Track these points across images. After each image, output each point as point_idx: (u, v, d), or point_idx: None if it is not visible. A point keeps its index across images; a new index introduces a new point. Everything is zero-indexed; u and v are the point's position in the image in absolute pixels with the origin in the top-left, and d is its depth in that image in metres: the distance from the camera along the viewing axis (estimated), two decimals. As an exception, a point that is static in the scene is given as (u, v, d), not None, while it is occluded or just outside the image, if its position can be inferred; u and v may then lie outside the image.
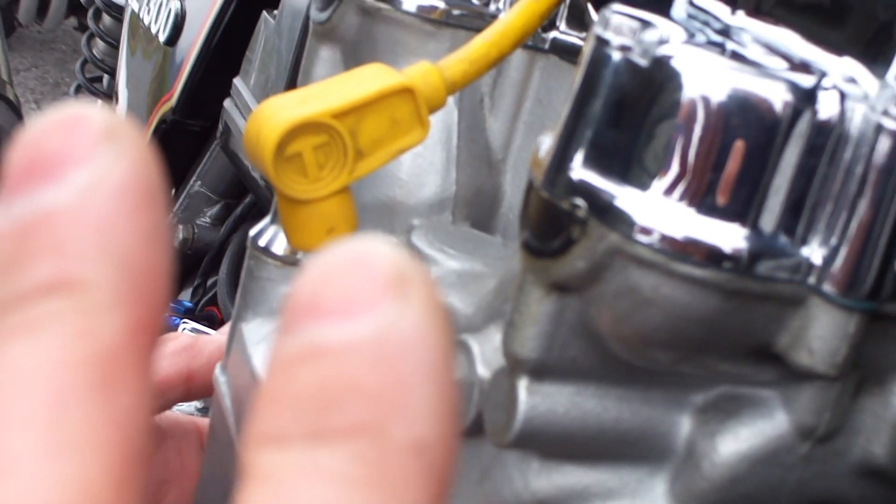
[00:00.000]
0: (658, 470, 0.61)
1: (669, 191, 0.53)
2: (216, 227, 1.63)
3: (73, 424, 0.31)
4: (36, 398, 0.31)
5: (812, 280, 0.54)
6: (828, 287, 0.54)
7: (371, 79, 0.68)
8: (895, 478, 0.61)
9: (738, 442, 0.59)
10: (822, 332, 0.54)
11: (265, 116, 0.66)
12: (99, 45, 2.31)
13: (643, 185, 0.54)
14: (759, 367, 0.58)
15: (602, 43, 0.55)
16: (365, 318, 0.31)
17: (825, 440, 0.59)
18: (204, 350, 0.89)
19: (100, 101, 2.29)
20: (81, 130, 0.32)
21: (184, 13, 1.72)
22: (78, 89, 2.33)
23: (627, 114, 0.54)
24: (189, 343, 0.89)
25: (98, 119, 0.32)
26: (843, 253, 0.54)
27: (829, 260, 0.54)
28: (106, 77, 2.27)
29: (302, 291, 0.32)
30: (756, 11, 0.58)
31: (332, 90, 0.67)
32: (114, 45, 2.22)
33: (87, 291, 0.31)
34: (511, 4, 0.82)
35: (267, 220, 0.80)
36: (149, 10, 1.85)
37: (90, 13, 2.41)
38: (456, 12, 0.82)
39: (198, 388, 0.90)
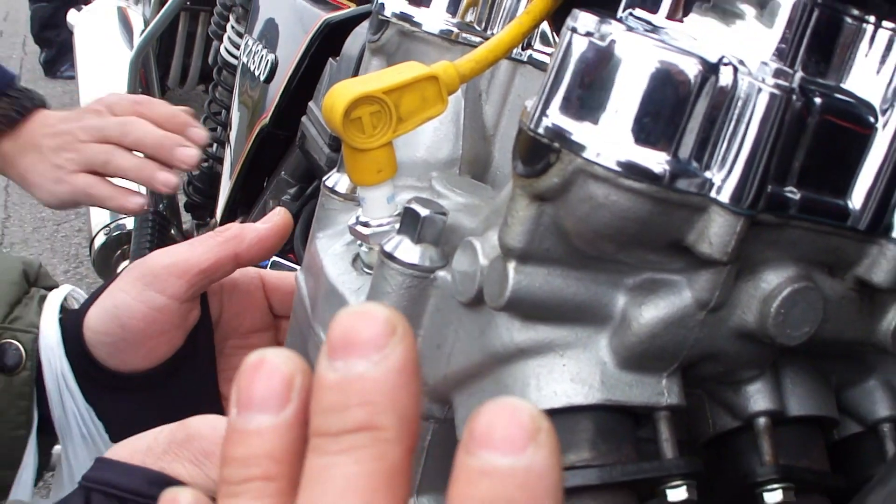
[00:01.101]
0: (602, 329, 0.64)
1: (617, 129, 0.57)
2: (294, 201, 1.66)
3: (380, 497, 0.38)
4: (356, 491, 0.38)
5: (713, 193, 0.58)
6: (723, 198, 0.57)
7: (409, 70, 0.72)
8: (759, 339, 0.64)
9: (657, 310, 0.62)
10: (718, 230, 0.58)
11: (338, 92, 0.70)
12: (219, 90, 2.34)
13: (599, 125, 0.57)
14: (673, 257, 0.61)
15: (573, 30, 0.59)
16: (519, 455, 0.36)
17: (715, 310, 0.63)
18: (246, 237, 0.89)
19: (219, 127, 2.33)
20: (376, 324, 0.38)
21: (277, 61, 1.80)
22: (205, 119, 2.34)
23: (589, 77, 0.58)
24: (236, 232, 0.90)
25: (384, 315, 0.38)
26: (734, 175, 0.57)
27: (724, 180, 0.58)
28: (224, 111, 2.30)
29: (478, 426, 0.37)
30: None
31: (382, 77, 0.71)
32: (229, 90, 2.26)
33: (382, 431, 0.38)
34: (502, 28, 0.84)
35: (334, 171, 0.83)
36: (254, 61, 1.93)
37: (215, 70, 2.47)
38: (464, 35, 0.86)
39: (243, 263, 0.91)
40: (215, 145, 2.36)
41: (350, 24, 1.58)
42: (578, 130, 0.58)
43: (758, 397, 0.70)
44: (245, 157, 1.86)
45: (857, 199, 0.64)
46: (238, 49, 2.19)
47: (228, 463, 0.42)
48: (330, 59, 1.58)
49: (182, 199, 2.54)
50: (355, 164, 0.72)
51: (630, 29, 0.59)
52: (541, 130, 0.59)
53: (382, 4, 0.88)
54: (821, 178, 0.62)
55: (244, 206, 1.91)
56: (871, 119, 0.63)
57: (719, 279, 0.62)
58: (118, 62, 2.76)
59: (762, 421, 0.70)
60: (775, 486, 0.68)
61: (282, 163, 1.77)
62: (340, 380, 0.39)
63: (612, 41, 0.58)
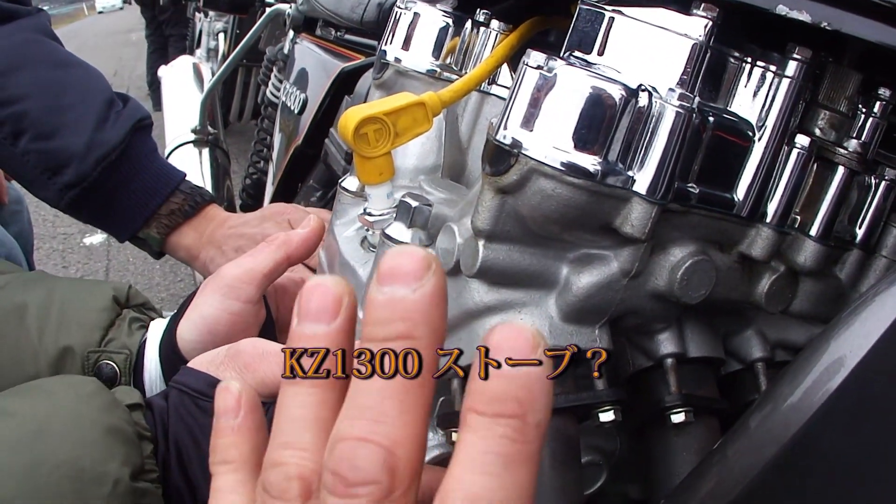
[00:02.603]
0: (550, 292, 0.63)
1: (561, 138, 0.55)
2: (320, 202, 1.65)
3: (411, 398, 0.38)
4: (398, 387, 0.38)
5: (634, 187, 0.56)
6: (641, 191, 0.56)
7: (403, 97, 0.71)
8: (668, 299, 0.63)
9: (591, 277, 0.61)
10: (638, 215, 0.57)
11: (350, 114, 0.69)
12: (265, 122, 2.32)
13: (547, 135, 0.56)
14: (604, 237, 0.60)
15: (527, 65, 0.57)
16: (522, 366, 0.36)
17: (635, 277, 0.62)
18: (293, 241, 0.86)
19: (264, 149, 2.30)
20: (417, 260, 0.38)
21: (307, 99, 1.79)
22: (255, 143, 2.34)
23: (539, 99, 0.56)
24: (284, 238, 0.87)
25: (423, 254, 0.38)
26: (649, 173, 0.56)
27: (642, 177, 0.56)
28: (268, 137, 2.29)
29: (494, 339, 0.36)
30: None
31: (383, 103, 0.70)
32: (271, 122, 2.25)
33: (417, 339, 0.38)
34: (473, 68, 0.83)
35: (348, 175, 0.81)
36: (290, 99, 1.92)
37: (262, 107, 2.44)
38: (445, 73, 0.84)
39: (293, 262, 0.87)
40: (262, 161, 2.35)
41: (360, 71, 1.58)
42: (531, 140, 0.56)
43: (666, 343, 0.69)
44: (284, 170, 1.84)
45: (740, 193, 0.63)
46: (279, 91, 2.18)
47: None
48: (346, 96, 1.57)
49: (238, 202, 2.53)
50: (362, 168, 0.71)
51: (570, 64, 0.57)
52: (503, 139, 0.57)
53: (384, 52, 0.86)
54: (714, 177, 0.61)
55: (283, 205, 1.90)
56: (750, 134, 0.62)
57: (638, 253, 0.61)
58: (192, 104, 2.73)
59: (669, 361, 0.69)
60: (679, 409, 0.68)
61: (310, 174, 1.76)
62: (387, 300, 0.38)
63: (556, 73, 0.56)
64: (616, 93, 0.55)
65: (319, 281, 0.42)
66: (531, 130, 0.56)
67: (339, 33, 1.93)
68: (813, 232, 0.66)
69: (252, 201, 2.36)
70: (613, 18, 0.60)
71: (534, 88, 0.56)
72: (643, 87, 0.56)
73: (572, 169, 0.55)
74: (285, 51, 2.27)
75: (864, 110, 0.66)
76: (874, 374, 0.52)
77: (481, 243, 0.60)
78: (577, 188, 0.56)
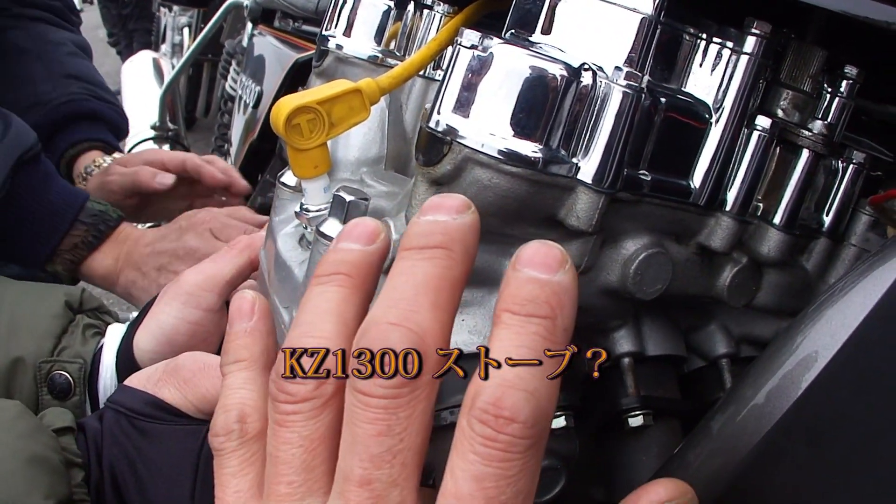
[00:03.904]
0: (493, 290, 0.58)
1: (498, 123, 0.51)
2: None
3: (443, 295, 0.41)
4: (429, 283, 0.40)
5: (579, 176, 0.53)
6: (587, 179, 0.52)
7: (339, 85, 0.67)
8: (621, 295, 0.60)
9: None
10: (584, 206, 0.53)
11: (282, 104, 0.65)
12: (224, 117, 2.30)
13: (483, 121, 0.51)
14: (549, 230, 0.56)
15: (460, 45, 0.53)
16: (557, 274, 0.39)
17: (585, 272, 0.58)
18: (256, 245, 0.85)
19: (225, 144, 2.26)
20: (457, 200, 0.42)
21: (261, 92, 1.77)
22: (215, 139, 2.33)
23: (473, 82, 0.52)
24: (247, 242, 0.86)
25: (464, 198, 0.42)
26: (595, 160, 0.52)
27: (588, 164, 0.52)
28: (228, 131, 2.26)
29: (526, 252, 0.40)
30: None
31: (317, 91, 0.66)
32: (230, 115, 2.22)
33: (453, 253, 0.41)
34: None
35: (286, 169, 0.78)
36: (245, 92, 1.90)
37: (220, 101, 2.46)
38: (388, 59, 0.79)
39: (256, 266, 0.85)
40: (222, 156, 2.31)
41: (314, 61, 1.54)
42: (465, 126, 0.52)
43: (622, 342, 0.65)
44: (240, 165, 1.81)
45: (697, 180, 0.59)
46: (237, 84, 2.15)
47: (322, 264, 0.45)
48: (300, 87, 1.52)
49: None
50: (296, 161, 0.67)
51: (508, 42, 0.52)
52: (436, 126, 0.53)
53: (325, 38, 0.81)
54: (667, 163, 0.57)
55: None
56: (706, 116, 0.59)
57: (587, 247, 0.56)
58: (152, 99, 2.68)
59: (626, 361, 0.65)
60: (637, 412, 0.65)
61: (267, 167, 1.72)
62: (430, 221, 0.42)
63: (491, 53, 0.51)
64: (557, 72, 0.50)
65: (362, 219, 0.46)
66: (466, 116, 0.52)
67: (296, 24, 1.89)
68: (777, 220, 0.62)
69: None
70: (558, -6, 0.56)
71: (467, 70, 0.52)
72: (587, 66, 0.51)
73: (511, 157, 0.51)
74: (244, 44, 2.23)
75: (829, 90, 0.63)
76: (846, 373, 0.49)
77: (394, 234, 0.57)
78: (517, 178, 0.51)
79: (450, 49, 0.58)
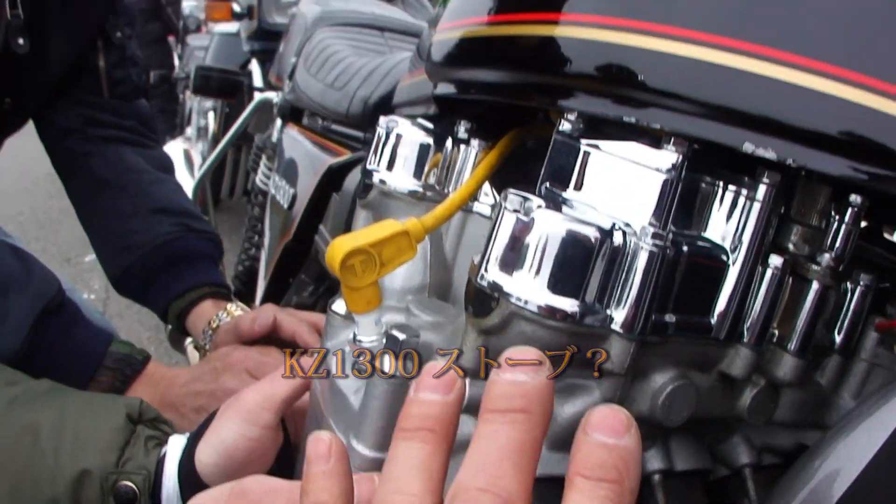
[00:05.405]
0: None
1: (539, 281, 0.57)
2: (311, 297, 1.66)
3: (525, 459, 0.44)
4: (512, 448, 0.43)
5: (612, 325, 0.58)
6: (619, 328, 0.58)
7: (387, 227, 0.72)
8: (651, 422, 0.64)
9: (574, 407, 0.62)
10: (617, 352, 0.58)
11: (336, 246, 0.69)
12: (256, 210, 2.34)
13: (526, 279, 0.57)
14: (586, 370, 0.61)
15: (504, 208, 0.59)
16: (624, 438, 0.42)
17: (618, 404, 0.62)
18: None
19: (256, 235, 2.30)
20: (534, 355, 0.45)
21: (296, 194, 1.80)
22: (246, 231, 2.37)
23: (516, 243, 0.57)
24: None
25: (538, 353, 0.45)
26: (627, 311, 0.57)
27: (619, 314, 0.58)
28: (259, 224, 2.31)
29: (595, 416, 0.43)
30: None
31: (368, 233, 0.71)
32: (262, 209, 2.26)
33: (533, 415, 0.44)
34: (455, 188, 0.86)
35: (337, 296, 0.82)
36: (279, 193, 1.93)
37: (252, 195, 2.47)
38: (427, 193, 0.86)
39: (309, 385, 0.88)
40: (253, 248, 2.37)
41: (348, 167, 1.60)
42: (510, 283, 0.58)
43: (652, 460, 0.69)
44: (275, 265, 1.85)
45: (716, 317, 0.64)
46: (268, 180, 2.21)
47: (406, 418, 0.48)
48: (334, 193, 1.58)
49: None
50: (350, 297, 0.71)
51: (547, 207, 0.58)
52: (484, 283, 0.59)
53: (370, 172, 0.88)
54: (690, 304, 0.62)
55: (275, 300, 1.89)
56: (724, 258, 0.63)
57: (619, 384, 0.62)
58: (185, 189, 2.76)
59: (656, 478, 0.69)
60: None
61: (302, 267, 1.77)
62: (510, 380, 0.44)
63: (533, 217, 0.57)
64: (591, 235, 0.56)
65: (436, 363, 0.49)
66: (510, 274, 0.57)
67: (325, 123, 1.96)
68: (791, 347, 0.67)
69: (245, 288, 2.37)
70: (588, 153, 0.62)
71: (511, 233, 0.58)
72: (617, 227, 0.57)
73: (551, 312, 0.56)
74: (273, 139, 2.30)
75: (836, 217, 0.66)
76: (872, 490, 0.53)
77: (467, 381, 0.61)
78: (557, 330, 0.57)
79: (495, 209, 0.62)
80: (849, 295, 0.70)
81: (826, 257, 0.66)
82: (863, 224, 0.68)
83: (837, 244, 0.67)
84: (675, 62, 0.58)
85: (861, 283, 0.70)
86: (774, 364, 0.67)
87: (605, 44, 0.61)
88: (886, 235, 0.91)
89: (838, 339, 0.71)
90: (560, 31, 0.65)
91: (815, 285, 0.66)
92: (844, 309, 0.71)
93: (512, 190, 0.60)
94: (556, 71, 0.65)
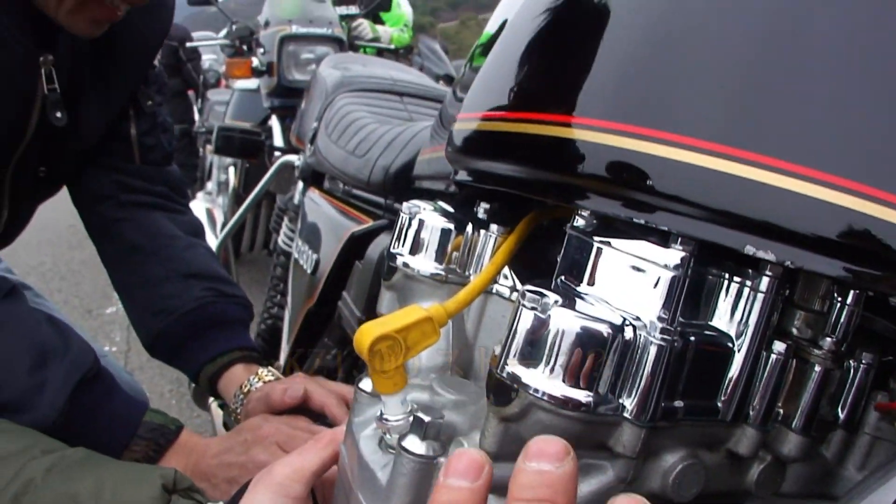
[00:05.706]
0: None
1: (555, 374, 0.61)
2: (334, 361, 1.68)
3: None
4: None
5: (624, 413, 0.62)
6: (630, 416, 0.62)
7: (412, 313, 0.75)
8: (662, 499, 0.67)
9: (590, 486, 0.65)
10: (628, 437, 0.62)
11: (364, 332, 0.73)
12: (279, 270, 2.37)
13: (544, 372, 0.61)
14: (599, 453, 0.65)
15: (522, 305, 0.63)
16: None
17: (630, 483, 0.66)
18: (339, 437, 0.89)
19: (278, 295, 2.32)
20: (559, 445, 0.49)
21: (318, 260, 1.83)
22: (269, 290, 2.40)
23: (534, 339, 0.62)
24: (331, 436, 0.91)
25: (563, 443, 0.50)
26: (637, 400, 0.62)
27: (630, 402, 0.62)
28: (281, 284, 2.34)
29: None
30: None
31: (394, 318, 0.75)
32: (285, 269, 2.30)
33: (557, 503, 0.48)
34: (477, 272, 0.90)
35: (364, 375, 0.85)
36: (302, 258, 1.96)
37: (274, 255, 2.50)
38: (450, 276, 0.90)
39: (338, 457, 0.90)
40: (276, 307, 2.41)
41: (369, 236, 1.64)
42: (529, 375, 0.62)
43: None
44: (299, 328, 1.89)
45: (723, 400, 0.67)
46: (291, 241, 2.25)
47: None
48: (356, 261, 1.63)
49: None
50: (377, 380, 0.75)
51: (562, 303, 0.62)
52: (504, 375, 0.63)
53: (394, 255, 0.92)
54: (698, 389, 0.66)
55: (299, 363, 1.93)
56: (730, 345, 0.67)
57: (631, 465, 0.65)
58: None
59: None
60: None
61: (325, 332, 1.80)
62: (536, 470, 0.48)
63: (549, 315, 0.61)
64: (604, 331, 0.61)
65: (466, 449, 0.53)
66: (528, 367, 0.62)
67: (346, 188, 2.00)
68: (795, 425, 0.70)
69: (268, 346, 2.41)
70: (601, 250, 0.66)
71: (529, 329, 0.62)
72: (628, 322, 0.62)
73: (567, 403, 0.61)
74: (295, 201, 2.34)
75: (839, 300, 0.69)
76: None
77: (489, 463, 0.65)
78: (573, 419, 0.61)
79: (514, 305, 0.66)
80: (851, 373, 0.73)
81: (828, 341, 0.69)
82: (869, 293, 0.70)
83: (839, 328, 0.69)
84: (680, 169, 0.62)
85: (863, 361, 0.73)
86: (780, 441, 0.70)
87: (616, 149, 0.66)
88: (892, 300, 0.93)
89: (842, 414, 0.74)
90: (575, 134, 0.69)
91: (817, 368, 0.69)
92: (847, 386, 0.73)
93: (529, 287, 0.64)
94: (570, 171, 0.70)
